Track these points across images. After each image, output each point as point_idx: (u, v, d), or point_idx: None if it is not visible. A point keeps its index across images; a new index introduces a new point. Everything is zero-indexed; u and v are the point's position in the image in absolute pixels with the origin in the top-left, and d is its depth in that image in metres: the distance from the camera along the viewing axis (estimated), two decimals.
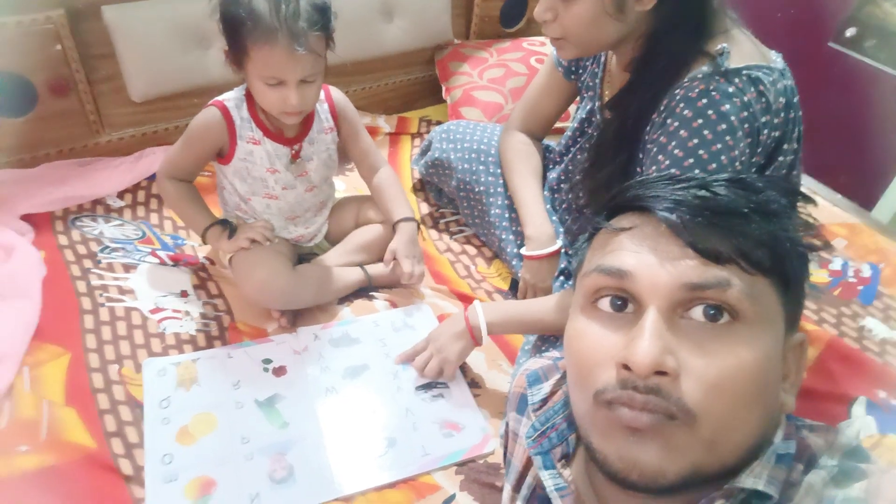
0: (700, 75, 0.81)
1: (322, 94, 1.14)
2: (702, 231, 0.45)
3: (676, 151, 0.81)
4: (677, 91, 0.82)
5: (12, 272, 1.14)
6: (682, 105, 0.81)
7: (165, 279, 1.21)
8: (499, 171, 1.25)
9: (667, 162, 0.82)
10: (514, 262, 1.23)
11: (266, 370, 1.06)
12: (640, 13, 0.81)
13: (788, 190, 0.50)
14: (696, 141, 0.80)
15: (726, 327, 0.44)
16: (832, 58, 1.78)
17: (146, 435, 0.95)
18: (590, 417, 0.47)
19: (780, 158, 0.88)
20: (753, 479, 0.43)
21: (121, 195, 1.38)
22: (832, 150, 1.59)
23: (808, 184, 1.54)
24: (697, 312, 0.44)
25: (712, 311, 0.44)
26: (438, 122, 1.65)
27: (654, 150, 0.84)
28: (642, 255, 0.46)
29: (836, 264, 1.30)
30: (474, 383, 1.07)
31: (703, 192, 0.46)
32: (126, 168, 1.41)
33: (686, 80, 0.82)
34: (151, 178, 1.42)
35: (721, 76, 0.79)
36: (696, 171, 0.80)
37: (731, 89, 0.79)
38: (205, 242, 1.15)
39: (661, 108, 0.84)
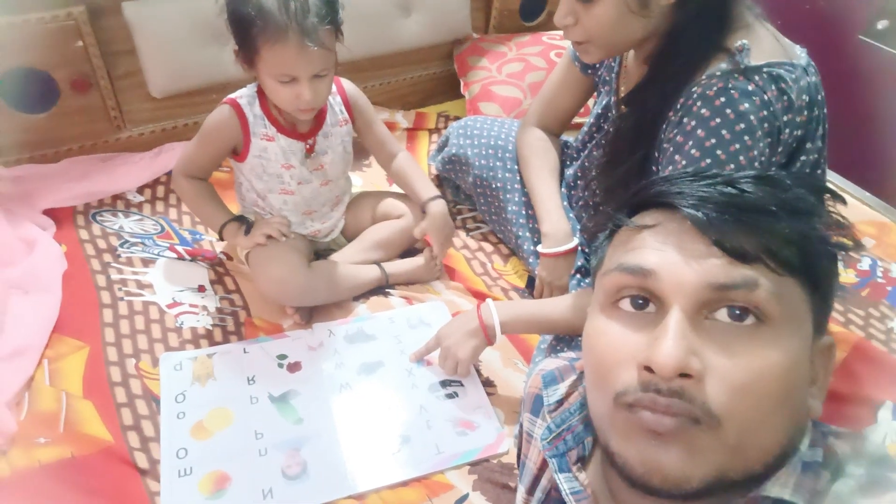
0: (718, 73, 0.78)
1: (334, 87, 1.14)
2: (728, 229, 0.43)
3: (693, 151, 0.79)
4: (694, 88, 0.79)
5: (34, 266, 1.16)
6: (699, 103, 0.78)
7: (183, 274, 1.21)
8: (516, 167, 1.23)
9: (683, 162, 0.80)
10: (530, 260, 1.22)
11: (281, 366, 1.06)
12: (664, 8, 0.79)
13: (817, 187, 0.48)
14: (713, 140, 0.78)
15: (753, 329, 0.42)
16: (862, 51, 1.72)
17: (162, 429, 0.96)
18: (609, 420, 0.45)
19: (803, 158, 0.85)
20: (780, 488, 0.42)
21: (140, 190, 1.40)
22: (861, 146, 1.54)
23: (835, 181, 1.50)
24: (722, 313, 0.42)
25: (738, 312, 0.42)
26: (456, 118, 1.64)
27: (671, 149, 0.82)
28: (666, 252, 0.44)
29: (865, 264, 1.26)
30: (489, 382, 1.06)
31: (729, 189, 0.45)
32: (146, 163, 1.42)
33: (704, 77, 0.79)
34: (170, 173, 1.42)
35: (740, 73, 0.77)
36: None
37: (750, 87, 0.76)
38: (222, 238, 1.16)
39: (678, 105, 0.81)
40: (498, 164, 1.25)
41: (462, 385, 1.04)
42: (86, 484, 0.88)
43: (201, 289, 1.20)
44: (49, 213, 1.29)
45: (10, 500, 0.85)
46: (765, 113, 0.76)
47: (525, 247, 1.22)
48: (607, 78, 1.03)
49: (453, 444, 0.96)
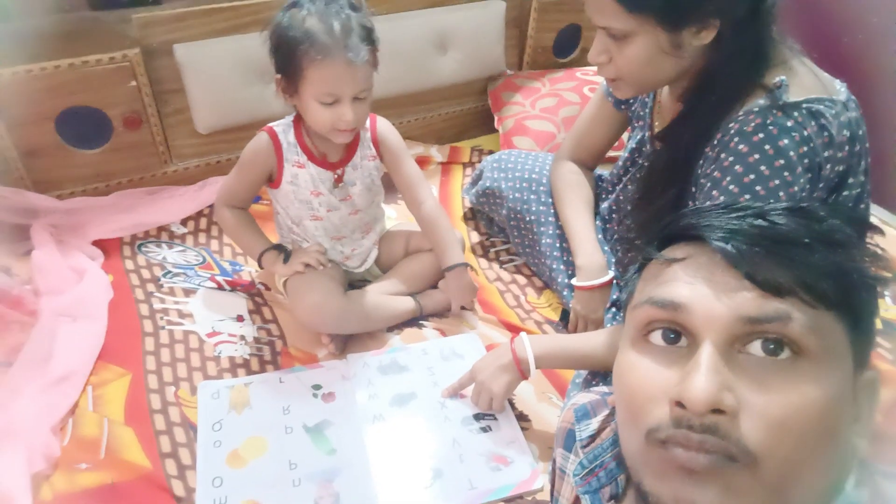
0: (756, 108, 0.78)
1: (367, 123, 1.17)
2: (760, 261, 0.42)
3: (731, 187, 0.78)
4: (732, 125, 0.79)
5: (83, 294, 1.21)
6: (736, 139, 0.78)
7: (222, 303, 1.24)
8: (550, 200, 1.24)
9: (721, 198, 0.79)
10: (564, 293, 1.21)
11: (316, 396, 1.07)
12: (698, 48, 0.79)
13: (854, 219, 0.47)
14: (752, 177, 0.77)
15: (789, 363, 0.41)
16: None
17: (198, 457, 0.97)
18: (642, 457, 0.44)
19: (846, 192, 0.83)
20: None
21: (184, 222, 1.44)
22: None
23: (879, 214, 1.46)
24: (756, 347, 0.41)
25: (772, 346, 0.41)
26: (490, 152, 1.65)
27: (708, 184, 0.81)
28: (697, 286, 0.44)
29: None
30: (523, 416, 1.05)
31: (760, 222, 0.44)
32: (190, 196, 1.48)
33: (741, 113, 0.79)
34: (213, 205, 1.47)
35: (779, 109, 0.76)
36: None
37: (789, 123, 0.75)
38: (261, 267, 1.18)
39: (715, 141, 0.81)
40: (532, 196, 1.26)
41: (496, 419, 1.03)
42: None
43: (240, 318, 1.22)
44: (98, 243, 1.35)
45: None
46: (805, 149, 0.75)
47: (559, 279, 1.21)
48: (641, 113, 1.04)
49: (487, 479, 0.94)
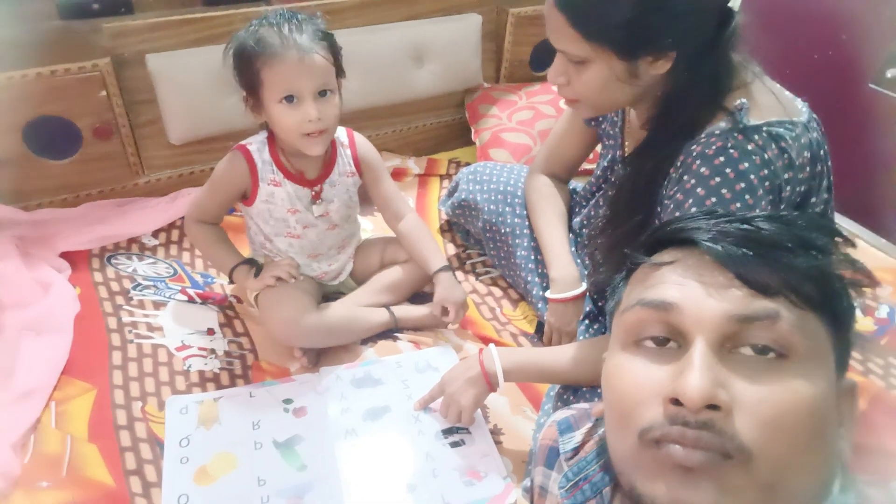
0: (717, 132, 0.78)
1: (346, 140, 1.17)
2: (748, 263, 0.43)
3: (693, 210, 0.79)
4: (694, 147, 0.80)
5: (48, 308, 1.18)
6: (698, 162, 0.79)
7: (193, 316, 1.22)
8: (525, 212, 1.24)
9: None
10: (539, 305, 1.21)
11: (287, 410, 1.05)
12: (654, 76, 0.80)
13: (828, 229, 0.48)
14: (713, 199, 0.78)
15: (778, 362, 0.41)
16: (873, 99, 1.73)
17: (164, 474, 0.94)
18: (635, 460, 0.43)
19: (809, 211, 0.85)
20: None
21: (155, 234, 1.42)
22: (875, 193, 1.53)
23: (850, 228, 1.49)
24: (746, 348, 0.42)
25: (761, 346, 0.42)
26: (467, 164, 1.65)
27: (671, 206, 0.82)
28: (687, 287, 0.44)
29: (883, 312, 1.23)
30: (497, 430, 1.04)
31: (745, 226, 0.45)
32: (162, 208, 1.46)
33: (703, 136, 0.79)
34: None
35: (739, 133, 0.77)
36: None
37: (750, 146, 0.76)
38: (232, 281, 1.17)
39: (678, 163, 0.82)
40: (507, 209, 1.26)
41: (469, 433, 1.02)
42: None
43: (210, 332, 1.20)
44: (66, 255, 1.32)
45: None
46: (766, 172, 0.76)
47: (534, 292, 1.21)
48: (611, 132, 1.04)
49: (460, 493, 0.93)
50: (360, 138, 1.19)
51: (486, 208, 1.28)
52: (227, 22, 1.40)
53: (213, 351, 1.16)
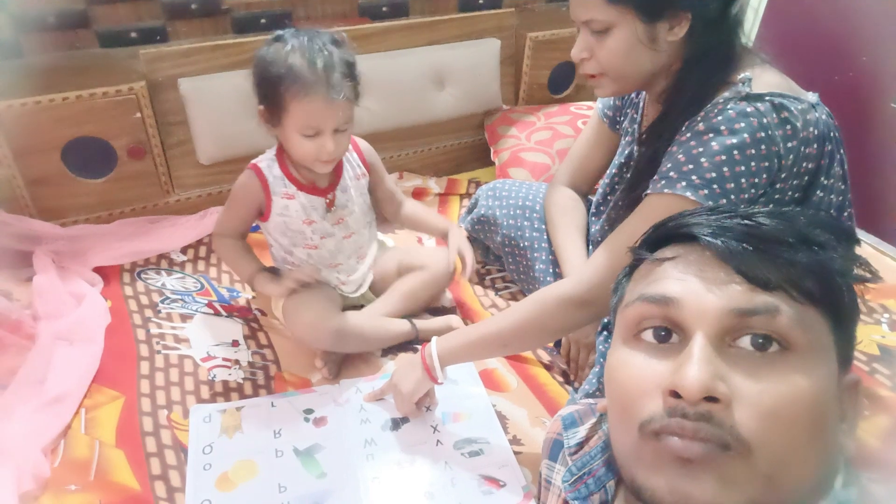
0: (721, 100, 0.82)
1: (350, 146, 1.20)
2: (749, 258, 0.44)
3: (679, 156, 0.82)
4: (699, 115, 0.83)
5: (81, 319, 1.22)
6: (701, 125, 0.82)
7: (219, 329, 1.25)
8: (543, 226, 1.26)
9: (668, 165, 0.83)
10: None
11: (307, 420, 1.07)
12: (672, 44, 0.84)
13: (831, 226, 0.48)
14: (701, 149, 0.80)
15: (778, 356, 0.42)
16: (895, 118, 1.72)
17: (188, 480, 0.96)
18: (635, 452, 0.44)
19: (820, 194, 0.86)
20: None
21: (184, 250, 1.47)
22: None
23: (875, 243, 1.47)
24: (745, 342, 0.43)
25: (761, 341, 0.42)
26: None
27: (667, 163, 0.84)
28: (687, 281, 0.45)
29: None
30: (516, 440, 1.04)
31: (746, 222, 0.46)
32: (191, 225, 1.50)
33: (709, 105, 0.83)
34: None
35: (741, 99, 0.80)
36: (693, 178, 0.79)
37: (749, 109, 0.79)
38: (254, 289, 1.19)
39: (684, 129, 0.85)
40: (526, 223, 1.28)
41: (488, 442, 1.02)
42: None
43: (235, 343, 1.23)
44: (98, 270, 1.36)
45: None
46: (762, 135, 0.78)
47: None
48: (629, 129, 1.07)
49: (478, 502, 0.93)
50: (362, 142, 1.23)
51: (505, 223, 1.30)
52: (255, 48, 1.45)
53: (237, 362, 1.18)
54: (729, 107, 0.80)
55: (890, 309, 1.26)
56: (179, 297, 1.33)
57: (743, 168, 0.78)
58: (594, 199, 1.21)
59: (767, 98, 0.79)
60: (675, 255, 0.47)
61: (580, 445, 0.60)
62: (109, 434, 1.03)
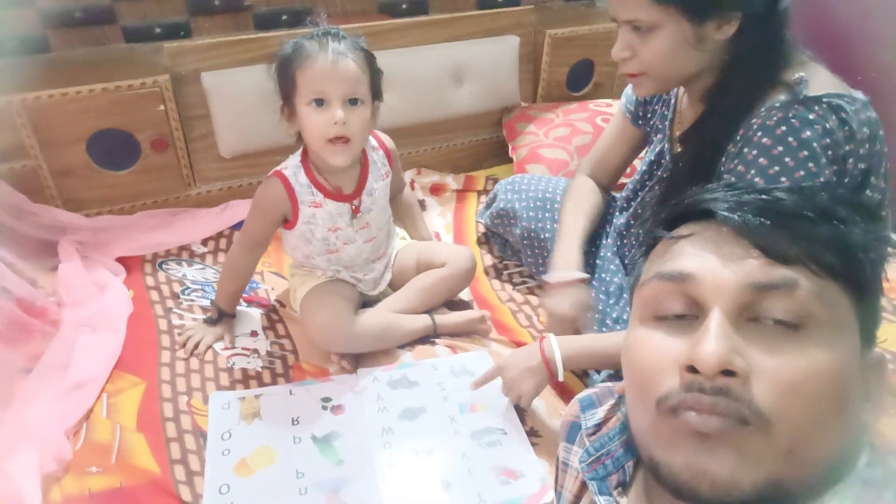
0: (778, 104, 0.79)
1: (376, 143, 1.20)
2: (767, 232, 0.43)
3: (757, 180, 0.79)
4: (754, 120, 0.81)
5: (104, 307, 1.24)
6: (759, 133, 0.79)
7: (238, 319, 1.26)
8: None
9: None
10: None
11: (325, 408, 1.07)
12: (719, 42, 0.82)
13: (851, 202, 0.47)
14: (777, 168, 0.78)
15: (797, 331, 0.41)
16: None
17: (207, 465, 0.97)
18: (653, 429, 0.43)
19: (869, 193, 0.84)
20: (839, 500, 0.39)
21: (204, 242, 1.48)
22: None
23: None
24: (764, 317, 0.42)
25: (780, 316, 0.41)
26: None
27: (732, 179, 0.82)
28: (704, 258, 0.44)
29: None
30: (534, 432, 1.03)
31: (764, 196, 0.45)
32: (211, 218, 1.52)
33: (763, 109, 0.80)
34: (234, 226, 1.51)
35: (800, 104, 0.78)
36: None
37: (811, 116, 0.77)
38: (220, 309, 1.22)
39: (738, 137, 0.82)
40: (546, 215, 1.28)
41: (505, 433, 1.02)
42: None
43: (254, 334, 1.24)
44: (121, 260, 1.38)
45: None
46: (827, 140, 0.76)
47: None
48: (660, 126, 1.05)
49: (496, 492, 0.93)
50: (385, 137, 1.22)
51: (524, 216, 1.30)
52: (276, 43, 1.44)
53: (255, 351, 1.19)
54: (791, 115, 0.78)
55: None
56: (200, 286, 1.35)
57: (821, 179, 0.77)
58: (622, 193, 1.20)
59: (825, 100, 0.78)
60: (691, 233, 0.47)
61: (598, 427, 0.59)
62: (130, 419, 1.04)
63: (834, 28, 1.81)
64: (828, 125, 0.76)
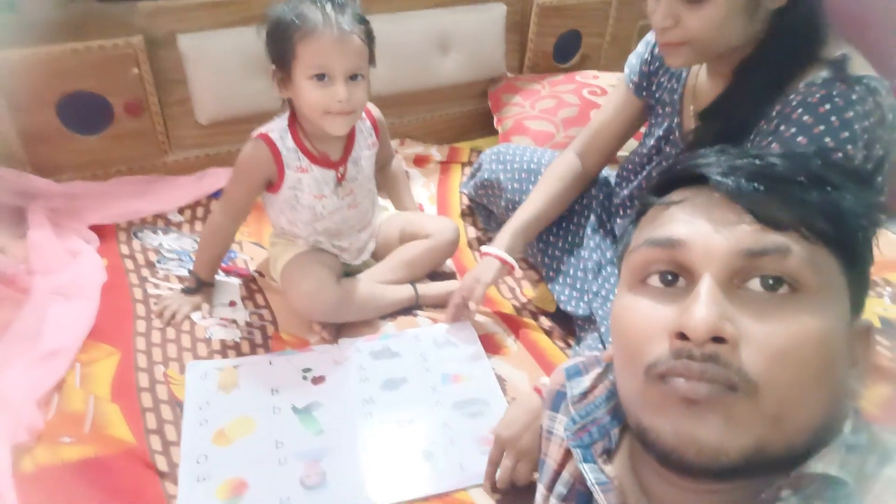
0: (819, 81, 0.77)
1: (363, 113, 1.17)
2: (759, 197, 0.42)
3: None
4: (793, 97, 0.78)
5: (76, 275, 1.20)
6: (800, 111, 0.77)
7: (216, 289, 1.23)
8: None
9: None
10: (556, 288, 1.20)
11: (305, 378, 1.06)
12: (769, 12, 0.79)
13: (847, 169, 0.47)
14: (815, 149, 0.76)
15: (788, 297, 0.41)
16: None
17: (183, 434, 0.95)
18: (641, 396, 0.43)
19: (880, 179, 0.82)
20: (825, 464, 0.39)
21: (181, 210, 1.44)
22: None
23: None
24: (755, 283, 0.41)
25: (771, 281, 0.41)
26: None
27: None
28: (695, 223, 0.44)
29: None
30: None
31: (758, 161, 0.44)
32: (188, 186, 1.48)
33: (802, 85, 0.78)
34: (212, 195, 1.48)
35: (842, 82, 0.76)
36: None
37: (854, 96, 0.75)
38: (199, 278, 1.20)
39: (773, 114, 0.80)
40: (531, 187, 1.25)
41: (488, 404, 1.02)
42: (105, 483, 0.88)
43: (232, 304, 1.21)
44: (95, 228, 1.34)
45: (31, 495, 0.85)
46: (866, 124, 0.75)
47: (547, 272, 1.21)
48: (668, 100, 1.02)
49: (477, 462, 0.92)
50: (374, 108, 1.20)
51: (509, 187, 1.28)
52: (259, 4, 1.42)
53: (234, 321, 1.17)
54: (835, 93, 0.75)
55: (892, 282, 1.25)
56: (177, 255, 1.32)
57: (855, 163, 0.76)
58: (623, 165, 1.17)
59: (865, 81, 0.76)
60: (682, 199, 0.46)
61: (584, 395, 0.59)
62: (104, 389, 1.02)
63: (851, 11, 1.79)
64: (866, 108, 0.75)
